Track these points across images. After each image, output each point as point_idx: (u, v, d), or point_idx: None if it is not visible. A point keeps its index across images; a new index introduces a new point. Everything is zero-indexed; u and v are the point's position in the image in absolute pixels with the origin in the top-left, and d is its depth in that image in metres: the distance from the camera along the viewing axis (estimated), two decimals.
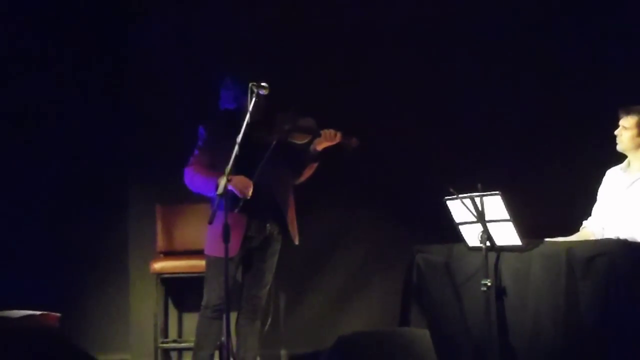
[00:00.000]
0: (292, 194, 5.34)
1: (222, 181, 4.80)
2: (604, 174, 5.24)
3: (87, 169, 6.45)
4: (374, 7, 6.39)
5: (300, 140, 5.20)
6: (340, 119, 5.25)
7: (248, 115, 4.92)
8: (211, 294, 5.22)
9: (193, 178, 5.21)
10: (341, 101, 6.17)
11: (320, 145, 5.22)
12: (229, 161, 4.82)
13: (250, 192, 5.02)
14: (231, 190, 4.95)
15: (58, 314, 5.35)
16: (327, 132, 5.19)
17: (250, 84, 4.98)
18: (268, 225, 5.24)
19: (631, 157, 5.10)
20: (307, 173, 5.35)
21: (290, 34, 6.34)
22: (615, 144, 5.08)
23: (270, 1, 6.41)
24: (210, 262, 5.24)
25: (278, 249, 5.34)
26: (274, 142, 4.98)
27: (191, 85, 6.30)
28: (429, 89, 6.33)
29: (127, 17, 6.49)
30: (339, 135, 5.19)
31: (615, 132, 5.06)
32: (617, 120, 5.08)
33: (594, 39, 6.25)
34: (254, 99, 4.95)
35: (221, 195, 4.78)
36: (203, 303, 5.26)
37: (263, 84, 4.98)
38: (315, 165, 5.31)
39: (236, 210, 4.96)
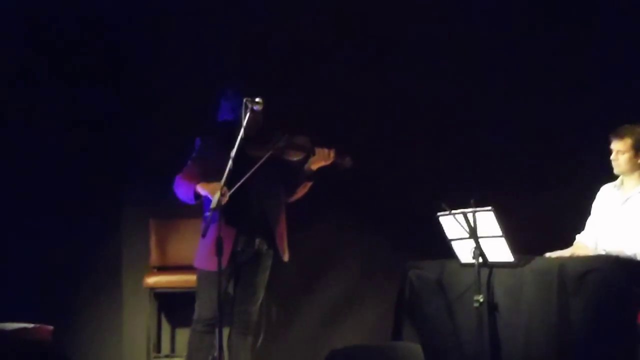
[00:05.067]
0: (283, 211, 5.35)
1: (216, 196, 4.82)
2: (596, 190, 5.26)
3: (80, 183, 6.44)
4: (368, 24, 6.42)
5: (294, 157, 5.22)
6: (333, 135, 5.28)
7: (242, 131, 4.94)
8: (202, 308, 5.23)
9: (178, 185, 5.24)
10: (334, 118, 6.19)
11: (315, 164, 5.24)
12: (220, 175, 4.84)
13: (224, 200, 4.93)
14: (206, 196, 5.00)
15: (51, 327, 5.35)
16: (322, 151, 5.21)
17: (244, 99, 5.01)
18: (257, 240, 5.25)
19: (625, 176, 5.13)
20: (301, 192, 5.37)
21: (286, 50, 6.37)
22: (608, 161, 5.11)
23: (269, 17, 6.44)
24: (201, 275, 5.26)
25: (269, 264, 5.34)
26: (267, 155, 5.00)
27: (185, 99, 6.32)
28: (421, 105, 6.35)
29: (122, 30, 6.51)
30: (332, 154, 5.22)
31: (611, 158, 5.08)
32: (609, 139, 5.10)
33: (586, 55, 6.29)
34: (248, 114, 4.98)
35: (214, 209, 4.79)
36: (194, 317, 5.27)
37: (257, 99, 5.00)
38: (309, 184, 5.33)
39: (212, 207, 4.87)
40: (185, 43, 6.44)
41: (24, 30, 6.45)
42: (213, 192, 4.95)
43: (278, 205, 5.33)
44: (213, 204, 4.82)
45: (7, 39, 6.40)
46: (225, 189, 4.90)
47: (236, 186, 4.89)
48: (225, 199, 4.93)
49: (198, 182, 5.15)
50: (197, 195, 5.14)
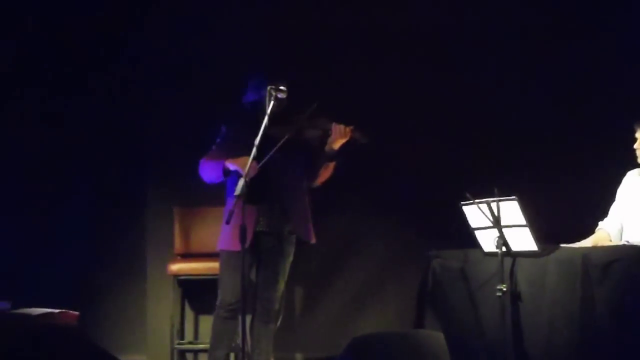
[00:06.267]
0: (305, 194, 5.36)
1: (240, 182, 4.85)
2: (621, 177, 5.24)
3: (105, 170, 6.49)
4: (389, 8, 6.41)
5: (312, 134, 5.24)
6: (357, 122, 5.27)
7: (266, 119, 4.96)
8: (224, 292, 5.25)
9: (204, 166, 5.27)
10: (357, 106, 6.17)
11: (335, 143, 5.25)
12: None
13: (252, 173, 4.96)
14: (235, 170, 5.01)
15: (76, 313, 5.40)
16: (338, 127, 5.21)
17: (268, 87, 5.04)
18: (276, 220, 5.26)
19: None
20: (324, 174, 5.37)
21: (305, 32, 6.36)
22: (633, 149, 5.09)
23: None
24: (224, 257, 5.28)
25: (292, 251, 5.36)
26: (286, 137, 5.01)
27: (209, 86, 6.33)
28: (445, 93, 6.34)
29: (143, 17, 6.52)
30: (349, 130, 5.22)
31: (635, 146, 5.04)
32: (634, 129, 5.07)
33: (609, 41, 6.25)
34: (272, 102, 5.00)
35: (239, 196, 4.81)
36: (217, 302, 5.30)
37: (281, 87, 5.02)
38: (331, 165, 5.33)
39: (236, 194, 4.88)
40: (208, 29, 6.45)
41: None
42: (243, 165, 4.96)
43: (298, 189, 5.34)
44: (237, 192, 4.84)
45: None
46: (254, 162, 4.93)
47: (261, 162, 4.92)
48: (254, 172, 4.95)
49: (219, 159, 5.19)
50: (227, 172, 5.14)
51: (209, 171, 5.25)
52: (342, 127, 5.21)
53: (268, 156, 4.97)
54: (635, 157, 5.08)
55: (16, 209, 6.42)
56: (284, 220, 5.28)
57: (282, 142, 4.99)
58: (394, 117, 6.29)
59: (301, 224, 5.31)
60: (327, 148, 5.27)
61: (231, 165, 5.09)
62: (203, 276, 6.12)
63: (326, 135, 5.26)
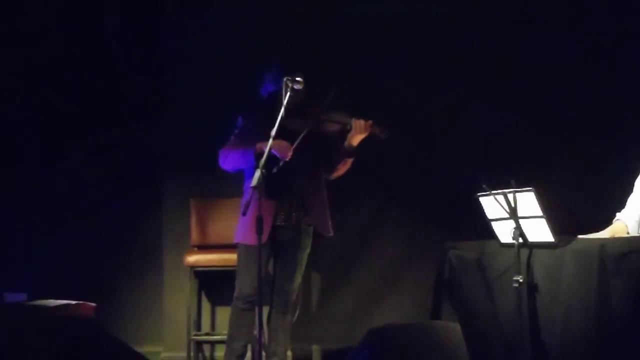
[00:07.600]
0: (323, 187, 5.36)
1: (257, 173, 4.84)
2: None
3: (122, 161, 6.51)
4: (404, 2, 6.40)
5: (331, 128, 5.23)
6: (371, 114, 5.27)
7: (283, 110, 4.96)
8: (242, 284, 5.26)
9: (227, 154, 5.26)
10: (373, 96, 6.18)
11: (355, 139, 5.23)
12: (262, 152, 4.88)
13: (289, 155, 5.02)
14: (273, 153, 4.97)
15: (94, 304, 5.43)
16: (358, 123, 5.20)
17: (285, 79, 5.03)
18: (294, 214, 5.26)
19: None
20: (342, 169, 5.37)
21: (322, 26, 6.37)
22: None
23: None
24: (241, 250, 5.29)
25: (309, 243, 5.36)
26: (305, 131, 5.01)
27: (226, 78, 6.33)
28: (461, 84, 6.34)
29: (160, 10, 6.53)
30: (368, 125, 5.21)
31: None
32: None
33: (629, 32, 6.23)
34: (288, 94, 5.00)
35: (255, 187, 4.81)
36: (235, 294, 5.31)
37: (298, 78, 5.02)
38: (350, 160, 5.33)
39: (274, 170, 4.93)
40: (225, 20, 6.45)
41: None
42: (278, 147, 4.97)
43: (315, 181, 5.34)
44: (253, 183, 4.83)
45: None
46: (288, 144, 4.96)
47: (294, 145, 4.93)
48: (289, 155, 4.97)
49: (244, 146, 5.17)
50: (258, 155, 5.07)
51: (236, 158, 5.23)
52: (361, 122, 5.20)
53: (295, 145, 4.96)
54: None
55: (33, 201, 6.44)
56: (302, 214, 5.29)
57: (302, 136, 4.99)
58: (411, 110, 6.28)
59: (319, 217, 5.31)
60: (346, 144, 5.25)
61: (266, 147, 5.02)
62: (220, 267, 6.14)
63: (345, 130, 5.25)
